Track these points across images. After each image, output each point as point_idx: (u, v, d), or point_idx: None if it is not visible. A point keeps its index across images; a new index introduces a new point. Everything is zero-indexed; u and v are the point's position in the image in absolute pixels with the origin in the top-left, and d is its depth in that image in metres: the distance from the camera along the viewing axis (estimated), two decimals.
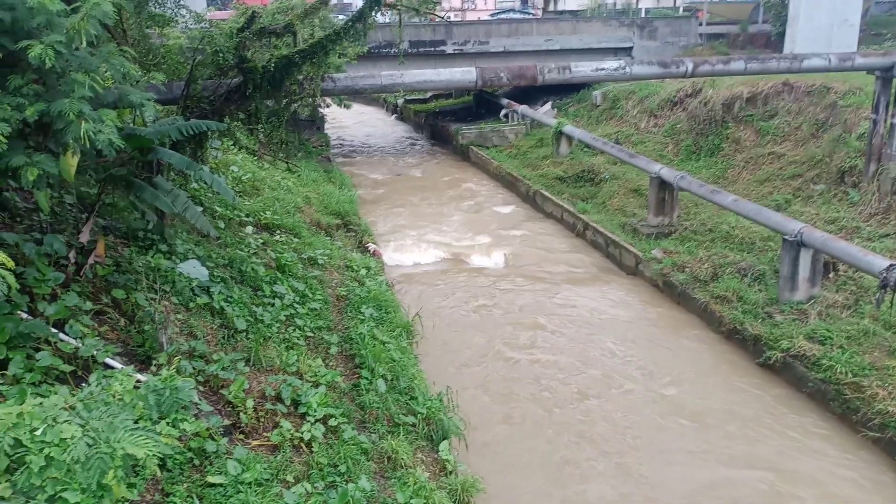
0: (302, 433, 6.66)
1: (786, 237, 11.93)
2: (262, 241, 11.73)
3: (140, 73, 7.77)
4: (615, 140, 22.70)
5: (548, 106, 29.80)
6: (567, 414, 9.86)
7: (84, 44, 5.31)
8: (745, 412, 9.92)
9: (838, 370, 9.87)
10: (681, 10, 47.89)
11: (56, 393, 4.83)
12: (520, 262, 16.56)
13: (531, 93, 30.11)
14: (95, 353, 5.84)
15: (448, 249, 17.31)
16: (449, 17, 40.32)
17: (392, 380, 8.71)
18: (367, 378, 8.50)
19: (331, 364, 8.77)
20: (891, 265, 9.94)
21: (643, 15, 43.45)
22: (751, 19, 35.76)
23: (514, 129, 28.24)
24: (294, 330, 9.11)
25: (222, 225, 11.37)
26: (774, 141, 18.68)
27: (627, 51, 31.62)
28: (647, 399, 10.31)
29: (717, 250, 14.38)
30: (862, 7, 27.20)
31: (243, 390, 6.80)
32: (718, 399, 10.30)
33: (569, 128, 23.35)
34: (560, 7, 59.62)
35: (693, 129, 21.42)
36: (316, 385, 7.69)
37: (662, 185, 16.14)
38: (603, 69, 14.44)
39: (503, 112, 30.15)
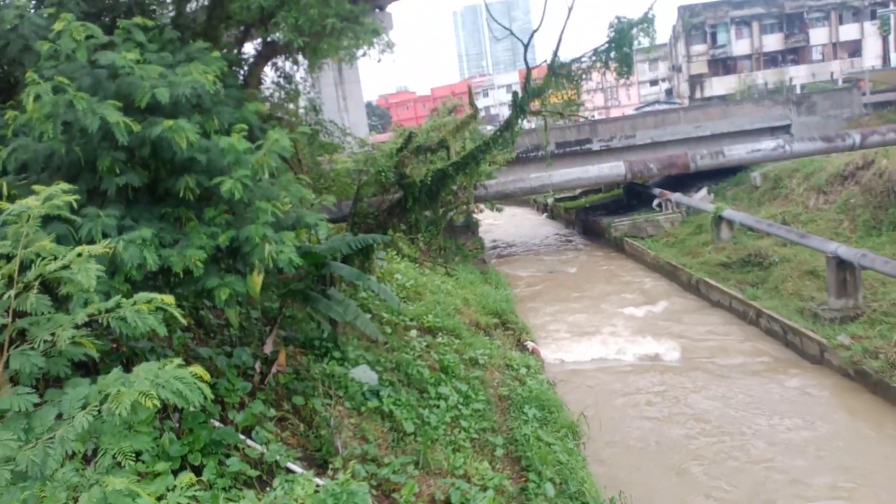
0: None
1: None
2: (425, 343, 12.08)
3: (313, 196, 8.55)
4: (781, 221, 21.42)
5: (703, 191, 28.89)
6: None
7: (266, 175, 5.99)
8: None
9: None
10: (839, 82, 45.45)
11: (245, 497, 5.16)
12: (689, 354, 15.71)
13: (684, 180, 29.41)
14: (279, 458, 6.20)
15: (609, 345, 16.81)
16: (593, 116, 40.93)
17: (560, 483, 8.42)
18: (534, 482, 8.28)
19: (497, 467, 8.65)
20: None
21: (798, 91, 41.68)
22: None
23: (669, 218, 27.52)
24: (460, 432, 9.15)
25: (389, 330, 11.87)
26: None
27: (785, 129, 30.26)
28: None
29: None
30: None
31: (414, 494, 6.87)
32: None
33: (729, 212, 22.40)
34: (707, 93, 58.69)
35: (869, 202, 19.77)
36: (484, 489, 7.60)
37: (842, 264, 14.89)
38: (759, 150, 13.94)
39: (656, 201, 29.57)
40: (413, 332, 12.42)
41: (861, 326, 14.03)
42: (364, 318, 8.34)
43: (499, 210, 30.16)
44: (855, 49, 58.74)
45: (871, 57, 55.98)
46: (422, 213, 11.43)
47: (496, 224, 40.01)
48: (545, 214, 44.39)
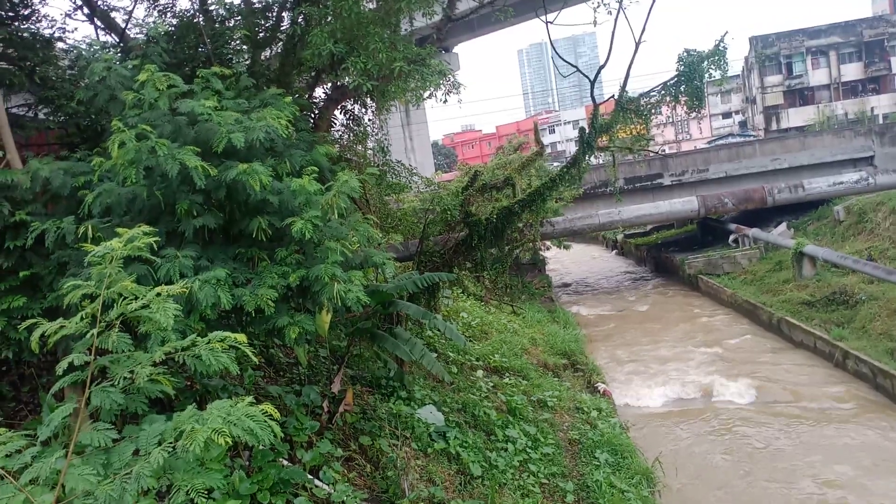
0: None
1: None
2: (492, 384, 11.93)
3: (381, 235, 8.65)
4: (868, 256, 20.38)
5: (782, 226, 27.84)
6: None
7: (336, 216, 6.10)
8: None
9: None
10: None
11: None
12: (770, 397, 14.97)
13: (761, 215, 28.45)
14: (346, 499, 6.17)
15: (686, 387, 16.20)
16: (664, 150, 40.29)
17: None
18: None
19: None
20: None
21: (881, 121, 40.02)
22: None
23: (747, 255, 26.58)
24: (528, 476, 8.93)
25: (455, 370, 11.80)
26: None
27: (868, 160, 28.96)
28: None
29: None
30: None
31: None
32: None
33: (811, 247, 21.48)
34: (783, 125, 57.07)
35: None
36: None
37: None
38: (842, 182, 13.38)
39: (732, 237, 28.65)
40: (479, 373, 12.30)
41: None
42: (430, 357, 8.32)
43: (566, 247, 29.80)
44: None
45: None
46: (487, 251, 11.40)
47: (564, 262, 39.57)
48: (615, 251, 43.66)
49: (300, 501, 5.85)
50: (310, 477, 6.25)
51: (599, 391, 14.84)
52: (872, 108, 53.73)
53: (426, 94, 11.27)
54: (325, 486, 6.26)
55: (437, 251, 11.20)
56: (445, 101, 11.84)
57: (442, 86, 10.94)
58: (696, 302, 25.39)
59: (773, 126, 58.05)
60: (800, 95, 59.12)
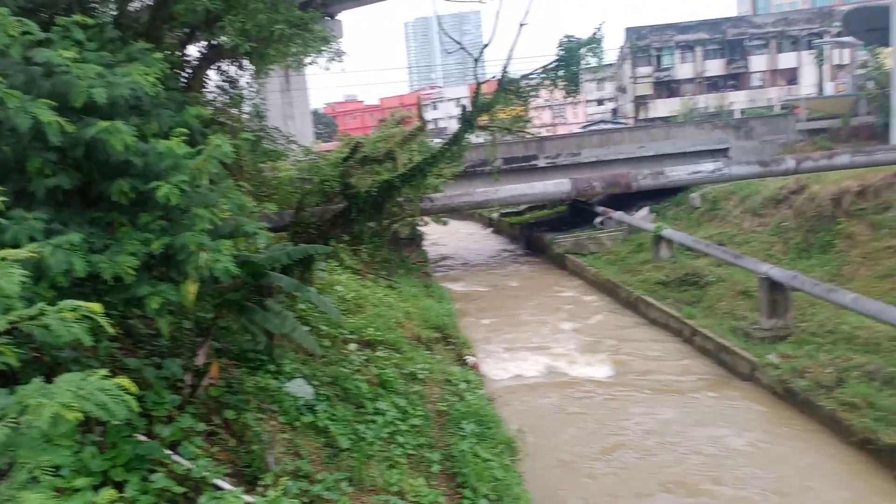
0: None
1: None
2: (364, 357, 11.95)
3: (254, 204, 8.38)
4: (718, 242, 22.10)
5: (644, 211, 29.60)
6: None
7: (206, 181, 5.84)
8: None
9: None
10: (776, 108, 47.39)
11: None
12: (625, 371, 16.01)
13: (626, 199, 30.10)
14: (206, 474, 6.01)
15: (549, 360, 16.99)
16: (540, 133, 41.53)
17: (495, 500, 8.43)
18: (469, 498, 8.27)
19: (433, 483, 8.61)
20: None
21: (738, 116, 43.26)
22: (852, 112, 34.86)
23: (611, 236, 28.09)
24: (396, 448, 9.07)
25: (327, 343, 11.70)
26: (892, 234, 17.65)
27: (724, 152, 31.32)
28: None
29: (840, 353, 13.42)
30: None
31: None
32: None
33: (668, 231, 23.00)
34: (651, 115, 60.35)
35: (801, 226, 20.60)
36: None
37: (773, 286, 15.45)
38: (699, 172, 14.35)
39: (598, 219, 30.15)
40: (352, 346, 12.28)
41: (790, 346, 14.55)
42: (302, 330, 8.20)
43: (444, 223, 30.27)
44: (792, 77, 61.43)
45: (807, 85, 58.65)
46: (366, 225, 11.34)
47: (441, 237, 40.09)
48: (490, 229, 44.73)
49: (157, 478, 5.64)
50: (168, 452, 6.02)
51: (469, 364, 15.25)
52: (731, 103, 57.89)
53: (308, 60, 10.97)
54: (185, 462, 6.05)
55: (314, 223, 11.00)
56: (328, 69, 11.60)
57: (325, 53, 10.69)
58: (563, 280, 26.57)
59: (642, 115, 61.31)
60: (667, 87, 62.72)
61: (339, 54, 11.15)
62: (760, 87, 62.23)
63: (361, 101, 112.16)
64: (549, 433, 12.62)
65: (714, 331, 16.47)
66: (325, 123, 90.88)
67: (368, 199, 10.66)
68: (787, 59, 61.41)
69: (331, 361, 10.81)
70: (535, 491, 9.72)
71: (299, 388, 8.44)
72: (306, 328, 9.45)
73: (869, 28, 36.74)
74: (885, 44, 29.32)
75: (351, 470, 7.76)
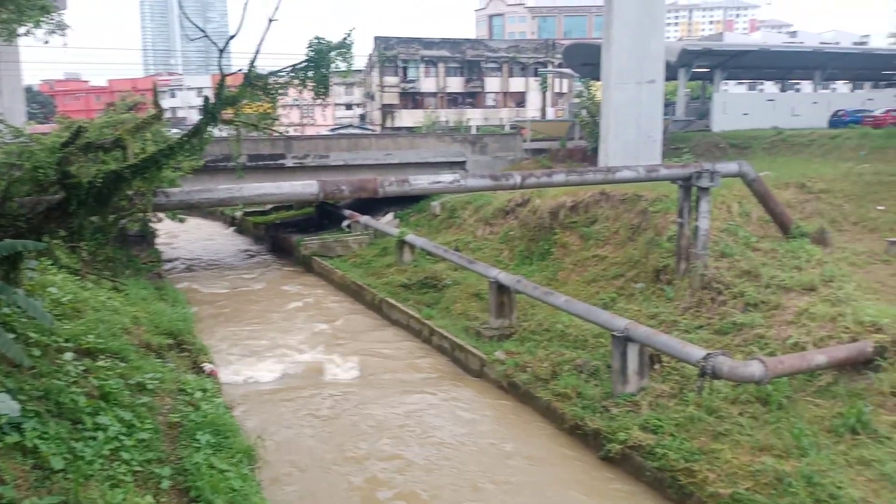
0: None
1: (614, 333, 12.76)
2: (83, 367, 10.69)
3: None
4: (455, 247, 23.54)
5: (389, 216, 30.57)
6: None
7: None
8: None
9: (671, 458, 10.43)
10: (507, 127, 52.02)
11: None
12: (367, 371, 16.34)
13: (373, 204, 30.82)
14: None
15: (293, 364, 16.75)
16: (288, 132, 40.85)
17: None
18: None
19: (162, 500, 7.98)
20: (707, 354, 10.88)
21: (474, 132, 46.62)
22: (568, 136, 39.40)
23: (358, 239, 28.58)
24: (120, 465, 8.23)
25: (37, 352, 10.26)
26: (597, 244, 20.23)
27: (461, 164, 33.51)
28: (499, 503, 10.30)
29: (555, 349, 15.03)
30: (662, 125, 30.93)
31: None
32: (566, 498, 10.49)
33: (411, 237, 24.00)
34: (397, 123, 62.64)
35: (525, 235, 22.79)
36: None
37: (501, 288, 16.85)
38: (439, 182, 15.13)
39: (345, 223, 30.49)
40: (68, 355, 10.92)
41: (514, 344, 15.97)
42: (5, 337, 7.10)
43: (181, 220, 28.31)
44: (521, 100, 68.04)
45: (532, 108, 65.45)
46: (88, 219, 10.12)
47: (177, 237, 37.52)
48: (233, 228, 42.92)
49: None
50: None
51: (206, 371, 14.42)
52: (469, 119, 62.28)
53: (22, 30, 9.61)
54: None
55: (23, 215, 9.56)
56: (47, 42, 10.29)
57: (43, 23, 9.43)
58: (310, 282, 26.40)
59: (389, 123, 63.42)
60: (412, 98, 65.64)
61: (61, 26, 9.91)
62: (494, 106, 68.05)
63: (86, 81, 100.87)
64: (290, 438, 12.42)
65: (449, 330, 17.51)
66: (40, 102, 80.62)
67: (92, 191, 9.52)
68: (516, 83, 67.95)
69: (41, 373, 9.51)
70: (277, 497, 9.49)
71: (2, 405, 7.28)
72: (11, 335, 8.22)
73: (584, 62, 42.00)
74: (597, 77, 33.61)
75: (66, 493, 6.88)
